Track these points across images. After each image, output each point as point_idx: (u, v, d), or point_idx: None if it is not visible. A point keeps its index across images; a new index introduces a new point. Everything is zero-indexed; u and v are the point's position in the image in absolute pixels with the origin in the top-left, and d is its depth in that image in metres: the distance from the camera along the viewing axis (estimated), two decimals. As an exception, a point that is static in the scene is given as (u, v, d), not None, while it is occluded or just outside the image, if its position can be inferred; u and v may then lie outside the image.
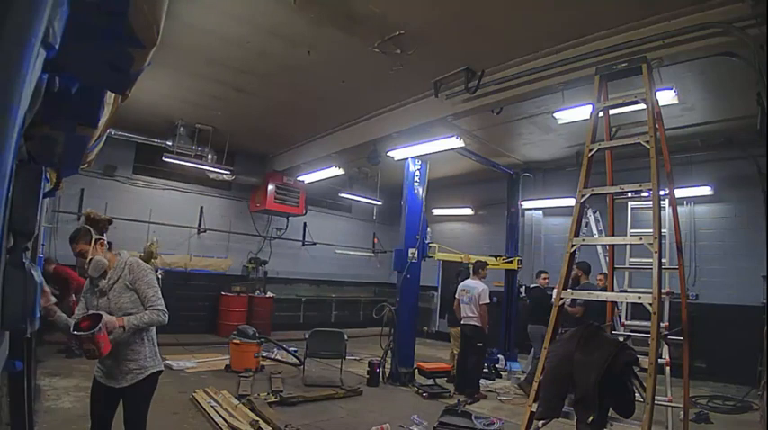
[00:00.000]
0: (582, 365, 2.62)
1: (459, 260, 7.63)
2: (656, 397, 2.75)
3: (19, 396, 2.01)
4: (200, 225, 9.73)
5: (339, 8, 4.30)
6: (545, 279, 7.16)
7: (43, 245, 5.66)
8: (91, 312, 2.26)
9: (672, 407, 3.76)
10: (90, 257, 2.35)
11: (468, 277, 6.73)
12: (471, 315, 6.29)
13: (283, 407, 4.94)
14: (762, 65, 3.32)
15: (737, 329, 6.45)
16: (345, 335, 6.37)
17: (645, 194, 3.36)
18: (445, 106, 5.79)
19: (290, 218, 10.88)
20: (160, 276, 2.64)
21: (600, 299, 3.52)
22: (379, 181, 10.48)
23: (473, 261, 7.01)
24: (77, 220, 8.11)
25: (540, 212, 10.06)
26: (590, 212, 6.90)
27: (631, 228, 4.40)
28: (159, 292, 2.45)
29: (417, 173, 7.16)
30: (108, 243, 2.49)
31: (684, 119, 6.43)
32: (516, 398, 6.02)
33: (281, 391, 5.29)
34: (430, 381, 6.33)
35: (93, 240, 2.38)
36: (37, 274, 1.25)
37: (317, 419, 4.69)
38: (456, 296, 6.63)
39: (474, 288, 6.38)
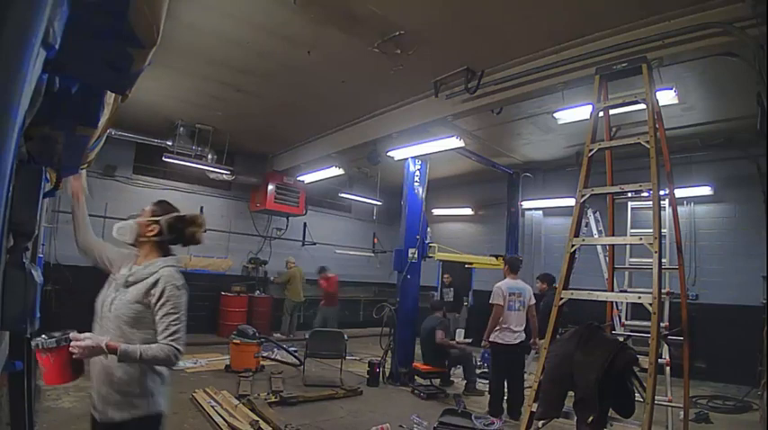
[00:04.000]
0: (582, 365, 2.62)
1: (461, 261, 7.61)
2: (656, 397, 2.75)
3: (19, 396, 2.01)
4: (200, 225, 9.72)
5: (339, 8, 4.30)
6: (544, 284, 6.56)
7: (43, 245, 5.65)
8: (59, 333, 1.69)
9: (672, 407, 3.75)
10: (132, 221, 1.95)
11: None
12: (519, 329, 5.12)
13: (283, 407, 4.94)
14: (762, 65, 3.32)
15: (737, 329, 6.44)
16: (345, 335, 6.37)
17: (645, 194, 3.36)
18: (445, 106, 5.79)
19: (290, 218, 10.88)
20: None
21: (600, 299, 3.52)
22: (379, 181, 10.48)
23: (505, 259, 6.14)
24: (77, 220, 8.12)
25: (540, 212, 10.06)
26: (590, 212, 6.90)
27: (631, 228, 4.40)
28: (183, 324, 1.83)
29: (417, 173, 7.16)
30: (170, 244, 2.01)
31: (684, 119, 6.43)
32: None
33: (281, 391, 5.29)
34: (426, 382, 6.32)
35: (157, 220, 1.95)
36: (37, 274, 1.25)
37: (317, 419, 4.69)
38: (498, 302, 5.11)
39: (525, 289, 5.26)
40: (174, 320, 1.80)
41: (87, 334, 1.71)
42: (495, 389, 5.23)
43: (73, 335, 1.66)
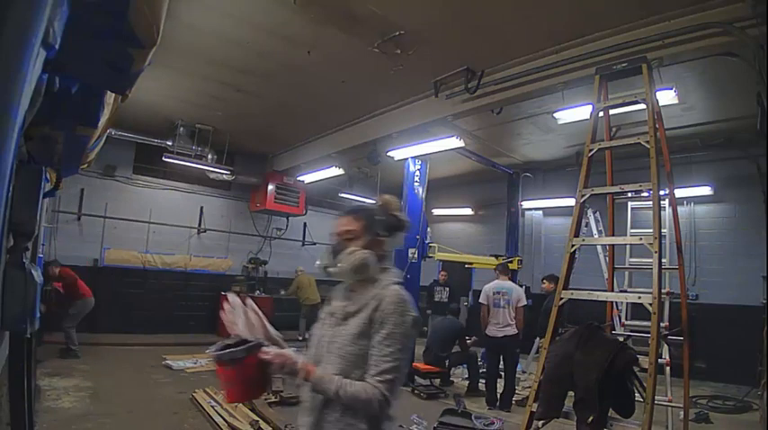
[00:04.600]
0: (582, 365, 2.62)
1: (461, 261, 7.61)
2: (656, 397, 2.75)
3: (19, 396, 2.01)
4: (200, 225, 9.73)
5: (339, 8, 4.30)
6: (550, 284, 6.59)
7: (43, 245, 5.66)
8: (252, 341, 1.36)
9: (672, 407, 3.75)
10: (354, 249, 1.49)
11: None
12: (510, 322, 5.67)
13: (283, 407, 4.93)
14: (762, 65, 3.32)
15: (737, 329, 6.44)
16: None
17: (645, 194, 3.36)
18: (445, 106, 5.79)
19: (290, 218, 10.88)
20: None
21: (600, 299, 3.52)
22: (379, 181, 10.47)
23: (499, 262, 6.67)
24: (77, 220, 8.13)
25: (540, 212, 10.06)
26: (590, 212, 6.89)
27: (631, 228, 4.40)
28: (402, 361, 1.39)
29: (417, 173, 7.16)
30: (385, 250, 1.60)
31: (684, 119, 6.43)
32: (516, 399, 6.01)
33: (281, 391, 5.29)
34: (426, 382, 6.32)
35: (374, 233, 1.54)
36: (37, 274, 1.25)
37: (317, 419, 4.68)
38: (483, 301, 5.89)
39: (512, 289, 5.83)
40: (388, 354, 1.37)
41: (275, 348, 1.38)
42: (488, 375, 5.92)
43: (272, 349, 1.37)
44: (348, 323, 1.46)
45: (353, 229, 1.52)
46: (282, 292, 10.18)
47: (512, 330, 5.67)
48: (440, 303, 8.64)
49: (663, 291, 3.34)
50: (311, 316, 9.76)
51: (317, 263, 1.58)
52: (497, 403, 5.61)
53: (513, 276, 8.82)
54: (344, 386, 1.34)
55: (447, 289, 9.01)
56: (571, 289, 3.21)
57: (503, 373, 5.84)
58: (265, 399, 4.95)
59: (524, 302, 5.82)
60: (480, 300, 5.91)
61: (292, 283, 9.84)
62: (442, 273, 9.56)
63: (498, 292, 5.82)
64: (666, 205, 4.01)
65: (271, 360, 1.32)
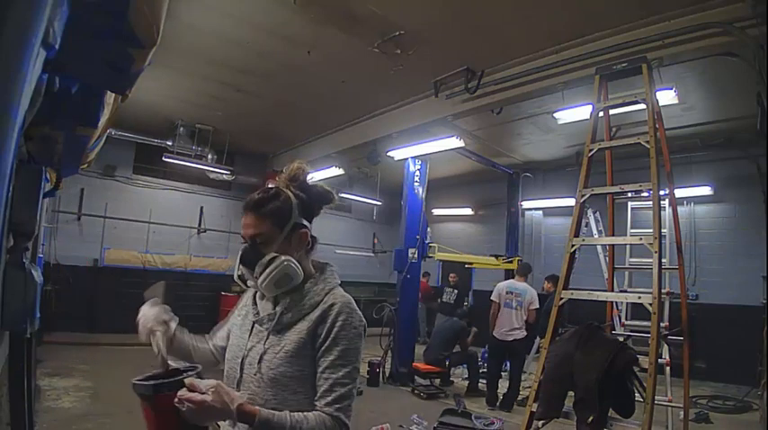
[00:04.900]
0: (582, 365, 2.62)
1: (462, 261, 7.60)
2: (656, 397, 2.75)
3: (19, 396, 2.01)
4: (200, 225, 9.73)
5: (339, 8, 4.30)
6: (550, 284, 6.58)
7: (43, 245, 5.66)
8: (182, 366, 1.19)
9: (672, 407, 3.75)
10: (272, 256, 1.19)
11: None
12: (518, 326, 5.53)
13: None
14: (762, 65, 3.32)
15: (737, 329, 6.44)
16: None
17: (645, 194, 3.36)
18: (445, 106, 5.79)
19: (289, 218, 10.87)
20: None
21: (600, 299, 3.52)
22: (379, 181, 10.48)
23: (516, 264, 6.65)
24: (77, 220, 8.13)
25: (540, 212, 10.06)
26: (590, 212, 6.89)
27: (631, 228, 4.40)
28: (355, 379, 1.18)
29: (417, 173, 7.17)
30: (312, 238, 1.30)
31: (684, 119, 6.43)
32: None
33: None
34: (426, 382, 6.32)
35: (292, 225, 1.23)
36: (37, 274, 1.25)
37: (317, 419, 4.68)
38: (494, 299, 5.75)
39: (526, 290, 5.66)
40: (342, 376, 1.14)
41: (212, 381, 1.07)
42: (489, 375, 5.86)
43: (189, 381, 1.04)
44: (283, 337, 1.19)
45: (262, 232, 1.21)
46: None
47: (520, 333, 5.55)
48: (447, 304, 8.80)
49: (663, 291, 3.34)
50: None
51: (234, 274, 1.28)
52: (497, 403, 5.60)
53: (512, 276, 8.88)
54: (299, 424, 1.07)
55: (455, 291, 9.23)
56: (571, 289, 3.21)
57: (503, 374, 5.87)
58: None
59: (536, 305, 5.70)
60: (492, 297, 5.81)
61: None
62: (452, 275, 9.65)
63: (511, 292, 5.70)
64: (666, 205, 4.01)
65: (194, 404, 0.99)
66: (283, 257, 1.19)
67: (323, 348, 1.16)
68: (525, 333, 5.60)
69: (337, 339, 1.16)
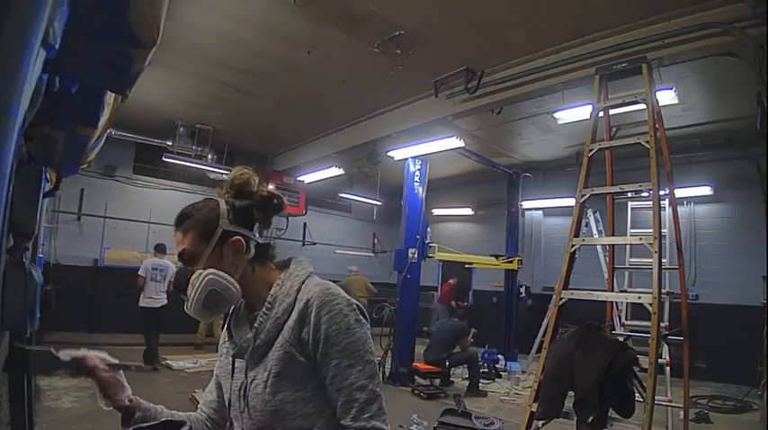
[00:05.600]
0: (582, 365, 2.63)
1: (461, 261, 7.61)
2: (656, 397, 2.75)
3: (19, 396, 2.01)
4: (200, 225, 9.73)
5: (339, 8, 4.30)
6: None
7: (43, 245, 5.66)
8: (173, 419, 1.12)
9: (672, 407, 3.76)
10: (196, 273, 1.03)
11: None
12: None
13: None
14: (762, 65, 3.33)
15: (737, 329, 6.44)
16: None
17: (645, 194, 3.37)
18: (445, 106, 5.79)
19: (290, 218, 10.87)
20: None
21: (600, 299, 3.52)
22: (379, 181, 10.48)
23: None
24: (77, 220, 8.13)
25: (540, 212, 10.07)
26: (590, 212, 6.90)
27: (631, 228, 4.40)
28: (375, 373, 0.99)
29: (417, 173, 7.17)
30: (267, 247, 1.16)
31: (684, 119, 6.43)
32: (517, 399, 6.02)
33: None
34: (426, 382, 6.32)
35: (219, 235, 1.06)
36: (37, 274, 1.25)
37: (317, 419, 4.68)
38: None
39: None
40: (355, 378, 0.96)
41: None
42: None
43: None
44: (267, 360, 1.01)
45: (185, 248, 1.07)
46: None
47: None
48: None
49: (663, 291, 3.34)
50: None
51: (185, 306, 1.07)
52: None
53: (513, 276, 8.90)
54: None
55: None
56: (571, 289, 3.21)
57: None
58: None
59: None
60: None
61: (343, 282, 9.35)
62: (453, 278, 9.76)
63: None
64: (666, 205, 4.01)
65: None
66: (205, 271, 1.00)
67: (318, 355, 0.97)
68: None
69: (330, 338, 0.96)
